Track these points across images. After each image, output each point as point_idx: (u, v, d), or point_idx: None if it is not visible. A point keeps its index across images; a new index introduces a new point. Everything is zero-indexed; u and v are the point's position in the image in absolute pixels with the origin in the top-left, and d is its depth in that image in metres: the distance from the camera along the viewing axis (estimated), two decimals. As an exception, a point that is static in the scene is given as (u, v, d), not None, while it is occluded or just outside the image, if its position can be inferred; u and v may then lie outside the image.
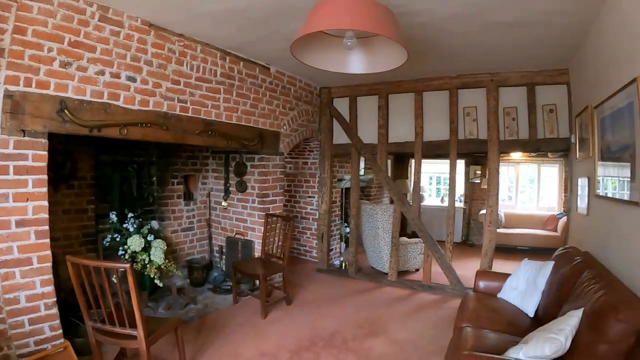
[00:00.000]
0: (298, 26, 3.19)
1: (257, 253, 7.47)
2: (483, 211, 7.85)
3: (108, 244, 6.06)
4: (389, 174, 12.69)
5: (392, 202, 8.47)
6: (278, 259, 6.87)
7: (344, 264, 9.23)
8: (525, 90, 7.13)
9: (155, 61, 5.17)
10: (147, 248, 6.09)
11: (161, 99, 5.27)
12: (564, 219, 9.24)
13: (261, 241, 7.19)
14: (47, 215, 4.14)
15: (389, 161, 13.24)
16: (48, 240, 4.16)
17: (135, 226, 6.16)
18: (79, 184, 6.19)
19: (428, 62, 6.78)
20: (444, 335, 5.31)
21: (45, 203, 4.12)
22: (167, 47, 5.33)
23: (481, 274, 5.75)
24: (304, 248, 10.29)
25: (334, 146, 8.97)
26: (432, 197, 15.07)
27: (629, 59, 3.63)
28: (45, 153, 4.10)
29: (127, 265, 3.73)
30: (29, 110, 3.93)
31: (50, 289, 4.17)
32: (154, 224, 6.66)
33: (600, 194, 4.63)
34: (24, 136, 3.93)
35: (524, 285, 4.96)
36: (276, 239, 7.05)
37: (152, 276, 5.95)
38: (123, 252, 5.91)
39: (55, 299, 4.21)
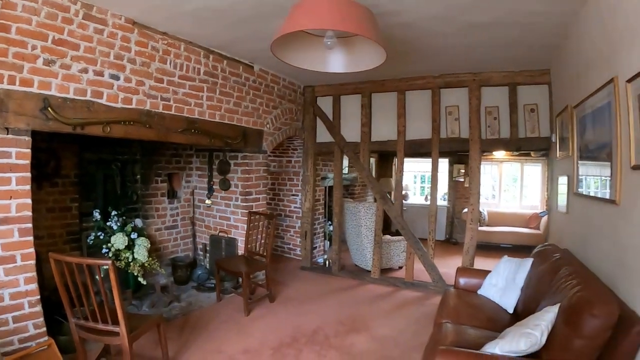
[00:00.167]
0: (280, 25, 3.22)
1: (241, 251, 7.48)
2: (466, 209, 7.92)
3: (92, 242, 6.06)
4: (373, 173, 12.81)
5: (376, 200, 8.51)
6: (261, 256, 6.90)
7: (327, 262, 9.26)
8: (507, 90, 7.22)
9: (138, 59, 5.17)
10: (130, 246, 6.09)
11: (144, 97, 5.27)
12: (546, 217, 9.34)
13: (244, 239, 7.20)
14: (30, 213, 4.14)
15: (373, 160, 13.33)
16: (32, 238, 4.16)
17: (119, 224, 6.16)
18: (62, 182, 6.16)
19: (411, 62, 6.84)
20: (425, 331, 5.35)
21: (29, 201, 4.12)
22: (150, 45, 5.33)
23: (461, 270, 5.79)
24: (288, 246, 10.31)
25: (317, 144, 9.01)
26: (417, 195, 15.13)
27: (607, 59, 3.71)
28: (29, 151, 4.09)
29: (109, 262, 3.75)
30: (12, 108, 3.92)
31: (34, 286, 4.17)
32: (138, 222, 6.66)
33: (580, 192, 4.71)
34: (7, 134, 3.92)
35: (503, 282, 5.02)
36: (259, 236, 7.06)
37: (135, 274, 5.95)
38: (107, 250, 5.91)
39: (39, 297, 4.21)
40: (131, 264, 5.95)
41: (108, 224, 6.12)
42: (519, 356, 3.00)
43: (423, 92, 7.85)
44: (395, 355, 5.16)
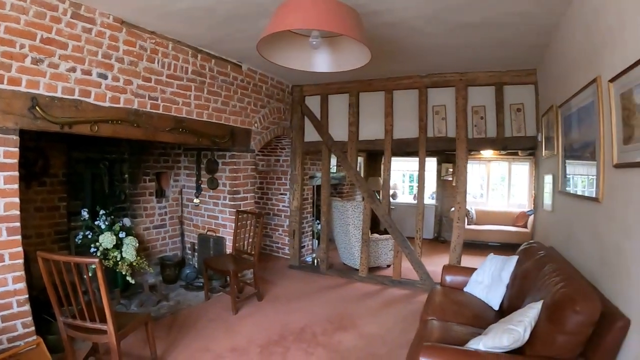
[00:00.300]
0: (267, 24, 3.24)
1: (229, 250, 7.50)
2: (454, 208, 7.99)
3: (80, 241, 6.05)
4: (362, 172, 12.85)
5: (364, 199, 8.55)
6: (249, 255, 6.91)
7: (315, 261, 9.29)
8: (493, 89, 7.28)
9: (126, 58, 5.18)
10: (119, 245, 6.09)
11: (132, 96, 5.27)
12: (533, 215, 9.42)
13: (232, 238, 7.22)
14: (18, 212, 4.14)
15: (362, 159, 13.37)
16: (20, 237, 4.16)
17: (107, 223, 6.15)
18: (50, 181, 6.14)
19: (398, 62, 6.87)
20: (412, 329, 5.38)
21: (17, 200, 4.12)
22: (138, 45, 5.33)
23: (448, 268, 5.85)
24: (277, 245, 10.32)
25: (305, 144, 9.03)
26: (405, 194, 15.18)
27: (591, 59, 3.76)
28: (17, 150, 4.09)
29: (96, 260, 3.77)
30: (0, 107, 3.92)
31: (22, 285, 4.17)
32: (126, 221, 6.65)
33: (565, 190, 4.76)
34: (-5, 133, 3.93)
35: (489, 279, 5.06)
36: (247, 235, 7.08)
37: (124, 273, 5.95)
38: (95, 250, 5.90)
39: (27, 296, 4.21)
40: (119, 263, 5.95)
41: (96, 223, 6.12)
42: (503, 352, 3.04)
43: (410, 92, 7.89)
44: (383, 353, 5.21)
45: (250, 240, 6.99)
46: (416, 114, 7.81)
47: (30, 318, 4.24)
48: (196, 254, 8.14)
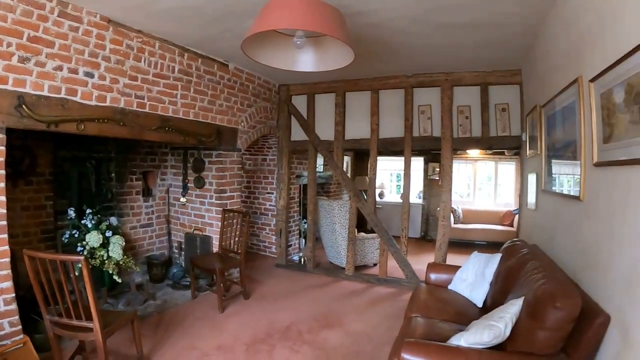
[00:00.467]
0: (252, 24, 3.26)
1: (215, 248, 7.51)
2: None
3: (67, 240, 6.03)
4: (349, 171, 12.89)
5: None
6: (236, 254, 6.93)
7: (302, 259, 9.32)
8: (478, 89, 7.36)
9: (113, 57, 5.18)
10: (105, 244, 6.07)
11: (118, 94, 5.27)
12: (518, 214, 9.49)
13: (219, 237, 7.23)
14: (5, 211, 4.13)
15: (349, 158, 13.41)
16: (6, 236, 4.15)
17: (93, 222, 6.14)
18: (37, 180, 6.12)
19: (384, 61, 6.92)
20: (397, 326, 5.38)
21: (3, 198, 4.12)
22: (125, 43, 5.34)
23: (432, 266, 5.89)
24: (264, 244, 10.34)
25: (292, 143, 9.06)
26: (393, 193, 15.23)
27: (572, 60, 3.83)
28: (3, 148, 4.08)
29: (82, 258, 3.79)
30: (-14, 105, 3.92)
31: (9, 284, 4.16)
32: (113, 220, 6.66)
33: (548, 189, 4.83)
34: (-19, 131, 3.93)
35: (473, 277, 5.11)
36: (234, 234, 7.09)
37: (110, 272, 5.94)
38: (82, 249, 5.88)
39: (14, 295, 4.21)
40: (106, 262, 5.94)
41: (83, 222, 6.10)
42: (484, 348, 3.08)
43: (396, 92, 7.95)
44: (368, 350, 5.26)
45: (237, 239, 7.01)
46: (402, 113, 7.87)
47: (17, 317, 4.24)
48: (183, 252, 8.13)
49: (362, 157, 13.87)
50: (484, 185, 14.28)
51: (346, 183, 8.55)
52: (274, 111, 8.89)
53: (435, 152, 11.58)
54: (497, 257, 4.99)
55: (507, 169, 13.58)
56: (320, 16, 3.03)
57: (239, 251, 6.82)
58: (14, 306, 4.21)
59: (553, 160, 4.67)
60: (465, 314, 4.46)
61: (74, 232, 6.02)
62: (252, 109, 8.03)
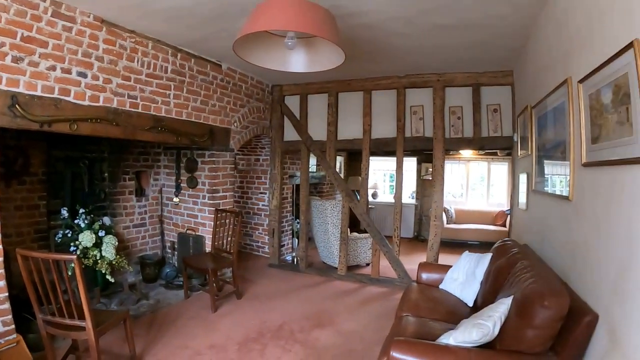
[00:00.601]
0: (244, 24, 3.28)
1: (208, 248, 7.52)
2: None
3: (60, 240, 6.03)
4: (342, 171, 12.90)
5: (342, 198, 8.63)
6: (228, 253, 6.94)
7: (295, 259, 9.34)
8: (470, 90, 7.41)
9: (106, 57, 5.18)
10: (98, 244, 6.08)
11: (111, 94, 5.28)
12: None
13: (212, 236, 7.24)
14: (-3, 210, 4.16)
15: (343, 158, 13.43)
16: (-1, 236, 4.18)
17: (86, 222, 6.14)
18: (30, 179, 6.12)
19: (376, 62, 6.95)
20: (389, 325, 5.36)
21: (-4, 198, 4.14)
22: (118, 44, 5.34)
23: (423, 266, 5.91)
24: (257, 244, 10.35)
25: (284, 143, 9.08)
26: (386, 194, 15.24)
27: (562, 61, 3.86)
28: (-4, 148, 4.11)
29: (74, 257, 3.80)
30: (-20, 105, 3.93)
31: (2, 284, 4.18)
32: (106, 220, 6.65)
33: (538, 189, 4.87)
34: (-26, 131, 3.94)
35: (463, 277, 5.15)
36: (226, 234, 7.10)
37: (103, 272, 5.95)
38: (75, 248, 5.88)
39: (7, 294, 4.22)
40: (99, 261, 5.95)
41: (76, 222, 6.10)
42: (474, 346, 3.10)
43: (388, 92, 7.99)
44: (359, 349, 5.29)
45: (230, 239, 7.02)
46: (394, 114, 7.91)
47: (10, 316, 4.25)
48: (176, 252, 8.14)
49: (356, 157, 13.86)
50: (477, 185, 14.31)
51: (338, 183, 8.58)
52: (267, 111, 8.90)
53: (428, 153, 11.59)
54: (488, 256, 5.02)
55: (500, 169, 13.63)
56: (311, 17, 3.05)
57: (232, 251, 6.83)
58: (7, 305, 4.22)
59: (543, 161, 4.69)
60: (456, 313, 4.49)
61: (67, 231, 6.03)
62: (245, 109, 8.05)
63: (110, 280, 5.97)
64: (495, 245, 5.32)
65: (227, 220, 7.22)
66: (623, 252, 2.53)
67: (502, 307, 3.20)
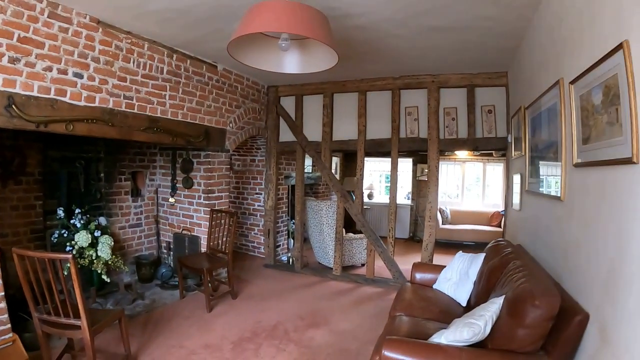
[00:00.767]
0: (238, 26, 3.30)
1: (204, 248, 7.54)
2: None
3: (56, 240, 6.06)
4: (338, 172, 12.92)
5: (338, 198, 8.66)
6: (224, 253, 6.96)
7: (291, 260, 9.36)
8: (465, 91, 7.44)
9: (102, 58, 5.19)
10: (94, 244, 6.10)
11: (107, 95, 5.29)
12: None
13: (207, 237, 7.26)
14: (-6, 210, 4.18)
15: (338, 159, 13.45)
16: (-5, 235, 4.20)
17: (82, 222, 6.17)
18: (27, 179, 6.13)
19: (371, 63, 6.97)
20: (383, 325, 5.35)
21: (-8, 198, 4.16)
22: (114, 44, 5.35)
23: (417, 266, 5.93)
24: (252, 244, 10.37)
25: (280, 144, 9.10)
26: (382, 194, 15.25)
27: (554, 62, 3.89)
28: (-7, 148, 4.13)
29: (69, 256, 3.82)
30: (-24, 105, 3.94)
31: (-2, 283, 4.20)
32: (102, 220, 6.67)
33: (531, 190, 4.90)
34: (-30, 131, 3.95)
35: (457, 276, 5.17)
36: (222, 234, 7.12)
37: (99, 272, 5.97)
38: (71, 248, 5.91)
39: (3, 294, 4.23)
40: (95, 261, 5.97)
41: (72, 222, 6.13)
42: (465, 345, 3.12)
43: (383, 93, 8.02)
44: (353, 348, 5.32)
45: (225, 239, 7.03)
46: (389, 115, 7.95)
47: (6, 315, 4.27)
48: (172, 252, 8.16)
49: (352, 158, 13.81)
50: (472, 186, 14.35)
51: (333, 183, 8.60)
52: (263, 112, 8.92)
53: (423, 154, 11.64)
54: (481, 256, 5.05)
55: (495, 170, 13.68)
56: (304, 19, 3.07)
57: (227, 251, 6.85)
58: (3, 305, 4.23)
59: (537, 162, 4.72)
60: (449, 313, 4.50)
61: (63, 231, 6.06)
62: (241, 110, 8.07)
63: (106, 280, 6.00)
64: (489, 245, 5.34)
65: (223, 221, 7.22)
66: (613, 251, 2.56)
67: (493, 307, 3.23)
